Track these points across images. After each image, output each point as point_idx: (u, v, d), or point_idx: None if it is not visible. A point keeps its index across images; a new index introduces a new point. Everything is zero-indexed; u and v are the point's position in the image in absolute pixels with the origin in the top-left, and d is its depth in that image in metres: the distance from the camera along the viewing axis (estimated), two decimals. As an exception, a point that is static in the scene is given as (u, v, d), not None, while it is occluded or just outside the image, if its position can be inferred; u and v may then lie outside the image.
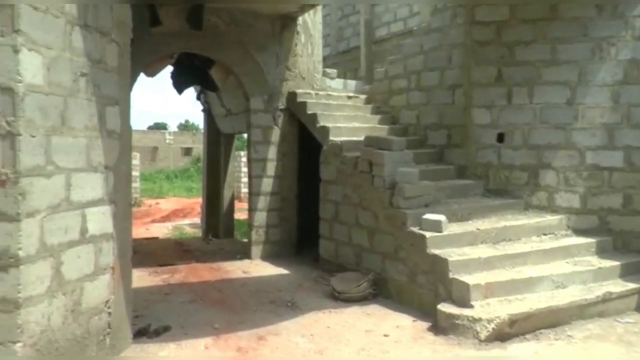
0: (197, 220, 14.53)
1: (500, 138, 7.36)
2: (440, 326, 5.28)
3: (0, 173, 3.36)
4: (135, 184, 21.68)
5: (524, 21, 7.16)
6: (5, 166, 3.37)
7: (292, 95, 8.74)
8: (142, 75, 9.07)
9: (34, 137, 3.50)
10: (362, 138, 7.23)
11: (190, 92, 12.32)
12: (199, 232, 13.15)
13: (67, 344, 3.86)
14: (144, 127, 49.89)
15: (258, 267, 8.14)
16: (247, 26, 8.48)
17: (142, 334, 5.08)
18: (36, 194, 3.52)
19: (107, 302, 4.41)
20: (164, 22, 7.60)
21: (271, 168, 8.74)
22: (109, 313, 4.44)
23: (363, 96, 9.60)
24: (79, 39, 3.98)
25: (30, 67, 3.45)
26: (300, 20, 8.93)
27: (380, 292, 6.40)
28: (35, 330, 3.53)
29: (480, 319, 5.07)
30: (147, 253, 9.50)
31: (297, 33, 8.91)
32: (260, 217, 8.70)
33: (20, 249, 3.38)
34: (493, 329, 5.02)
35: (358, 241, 7.03)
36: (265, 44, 8.66)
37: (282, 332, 5.28)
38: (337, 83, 10.06)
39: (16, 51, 3.35)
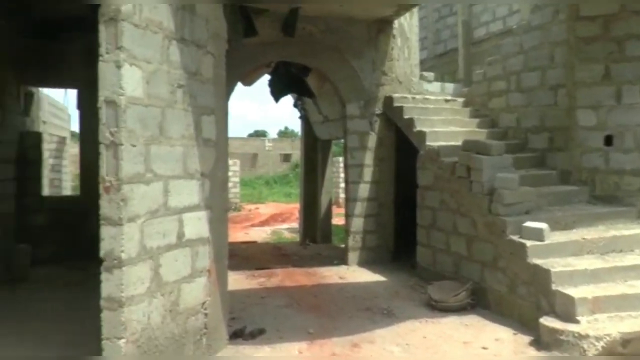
0: (296, 225, 14.79)
1: (609, 141, 6.86)
2: (543, 341, 4.99)
3: (105, 180, 3.62)
4: (236, 190, 22.48)
5: (635, 13, 6.65)
6: (109, 174, 3.62)
7: (389, 100, 8.68)
8: (241, 85, 9.41)
9: (134, 146, 3.72)
10: (459, 142, 7.03)
11: (290, 99, 12.61)
12: (297, 237, 13.38)
13: (166, 342, 4.05)
14: (245, 135, 51.71)
15: (354, 273, 8.13)
16: (342, 32, 8.54)
17: (237, 335, 5.21)
18: (136, 199, 3.73)
19: (203, 303, 4.58)
20: (259, 33, 7.83)
21: (368, 174, 8.72)
22: (206, 314, 4.60)
23: (461, 99, 9.35)
24: (176, 53, 4.18)
25: (131, 81, 3.68)
26: (396, 23, 8.86)
27: (479, 302, 6.16)
28: (137, 328, 3.74)
29: (587, 336, 4.73)
30: (245, 257, 9.78)
31: (393, 37, 8.85)
32: (357, 223, 8.70)
33: (122, 251, 3.60)
34: (603, 347, 4.67)
35: (456, 249, 6.83)
36: (361, 49, 8.67)
37: (377, 340, 5.22)
38: (435, 86, 9.86)
39: (119, 66, 3.58)
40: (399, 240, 8.83)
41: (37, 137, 9.34)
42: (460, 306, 6.07)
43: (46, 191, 13.13)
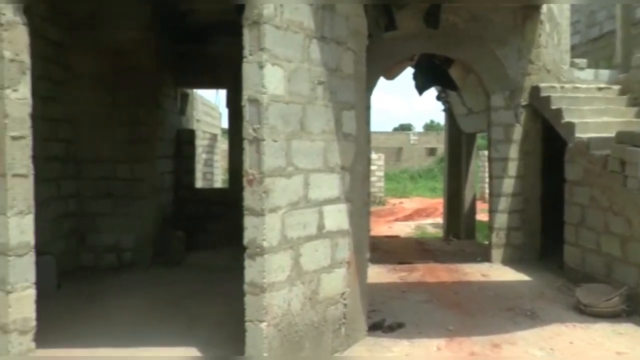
0: (440, 220, 14.57)
1: None
2: None
3: (248, 173, 3.87)
4: (380, 184, 22.60)
5: None
6: (252, 167, 3.86)
7: (535, 90, 8.22)
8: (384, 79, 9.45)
9: (276, 141, 3.93)
10: (612, 134, 6.47)
11: (434, 92, 12.43)
12: (440, 233, 13.18)
13: (306, 328, 4.24)
14: (389, 129, 51.71)
15: (497, 271, 7.84)
16: (486, 21, 8.24)
17: (376, 327, 5.28)
18: (278, 192, 3.94)
19: (342, 294, 4.70)
20: (400, 26, 7.80)
21: (512, 168, 8.35)
22: (345, 304, 4.72)
23: (617, 87, 8.58)
24: (316, 51, 4.33)
25: (273, 80, 3.89)
26: (544, 8, 8.36)
27: (636, 309, 5.65)
28: (278, 313, 3.96)
29: None
30: (388, 250, 9.84)
31: (541, 23, 8.35)
32: (501, 219, 8.37)
33: (264, 240, 3.83)
34: None
35: (608, 249, 6.31)
36: (506, 37, 8.30)
37: (519, 342, 5.00)
38: (587, 74, 9.14)
39: (261, 67, 3.81)
40: (546, 238, 8.35)
41: (192, 135, 10.18)
42: (612, 312, 5.61)
43: (199, 184, 14.24)
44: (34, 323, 3.97)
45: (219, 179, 19.03)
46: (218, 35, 8.71)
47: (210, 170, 18.25)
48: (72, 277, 6.88)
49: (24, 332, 3.91)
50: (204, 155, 17.41)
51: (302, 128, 4.21)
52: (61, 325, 5.00)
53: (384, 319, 5.47)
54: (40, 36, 6.48)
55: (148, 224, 7.91)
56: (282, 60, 3.97)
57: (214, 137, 18.62)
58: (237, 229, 8.17)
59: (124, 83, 7.68)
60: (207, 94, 19.53)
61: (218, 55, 8.93)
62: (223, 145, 19.79)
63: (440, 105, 12.80)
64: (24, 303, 3.90)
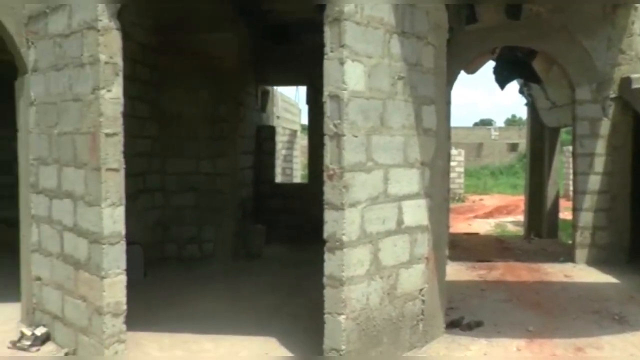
0: (521, 218, 14.13)
1: None
2: None
3: (329, 168, 3.93)
4: (460, 180, 22.17)
5: None
6: (333, 162, 3.92)
7: (626, 82, 7.78)
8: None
9: (356, 137, 3.96)
10: None
11: (516, 85, 12.07)
12: (521, 231, 12.79)
13: (383, 323, 4.25)
14: (470, 124, 50.52)
15: (581, 272, 7.53)
16: (573, 10, 7.88)
17: (454, 325, 5.21)
18: (357, 187, 3.97)
19: (421, 290, 4.68)
20: (481, 18, 7.62)
21: (599, 164, 7.96)
22: (423, 301, 4.70)
23: None
24: (396, 46, 4.32)
25: (353, 76, 3.92)
26: (638, -6, 7.90)
27: None
28: (356, 307, 3.99)
29: None
30: (466, 248, 9.66)
31: (635, 9, 7.87)
32: (586, 218, 8.02)
33: (344, 234, 3.87)
34: None
35: None
36: (594, 26, 7.90)
37: (605, 346, 4.78)
38: (686, 64, 8.56)
39: (342, 63, 3.84)
40: (636, 238, 7.92)
41: (272, 131, 10.39)
42: None
43: (279, 179, 14.52)
44: (124, 307, 4.23)
45: (298, 175, 19.33)
46: (299, 33, 8.85)
47: (290, 165, 18.56)
48: (157, 266, 7.21)
49: (116, 314, 4.16)
50: (283, 151, 17.74)
51: (382, 123, 4.21)
52: (148, 311, 5.27)
53: (462, 316, 5.39)
54: (130, 39, 6.81)
55: (229, 217, 8.16)
56: (363, 56, 3.99)
57: (293, 133, 18.93)
58: (315, 224, 8.29)
59: (207, 82, 7.96)
60: (287, 90, 19.90)
61: (299, 53, 9.06)
62: (302, 141, 20.10)
63: (522, 99, 12.43)
64: (116, 288, 4.16)
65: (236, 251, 8.20)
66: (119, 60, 4.13)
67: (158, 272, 6.95)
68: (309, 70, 9.07)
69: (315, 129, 9.50)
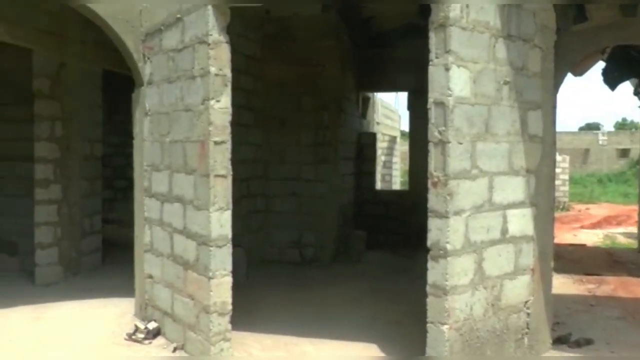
0: (634, 229, 13.19)
1: None
2: None
3: (433, 175, 3.88)
4: (564, 188, 21.09)
5: None
6: (437, 170, 3.87)
7: None
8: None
9: (460, 144, 3.89)
10: None
11: (629, 86, 11.33)
12: (635, 243, 11.95)
13: (487, 335, 4.13)
14: (575, 129, 47.99)
15: None
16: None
17: (561, 341, 4.96)
18: (462, 194, 3.90)
19: (526, 302, 4.50)
20: (591, 16, 7.22)
21: None
22: (528, 314, 4.52)
23: None
24: (502, 50, 4.20)
25: (459, 82, 3.86)
26: None
27: None
28: (460, 317, 3.91)
29: None
30: (572, 260, 9.17)
31: None
32: None
33: (447, 242, 3.81)
34: None
35: None
36: None
37: None
38: None
39: (447, 69, 3.80)
40: None
41: (373, 137, 10.41)
42: None
43: (378, 185, 14.51)
44: (230, 307, 4.40)
45: (397, 181, 19.23)
46: (399, 39, 8.84)
47: (389, 172, 18.51)
48: (259, 269, 7.43)
49: (222, 313, 4.34)
50: (383, 158, 17.73)
51: (487, 130, 4.11)
52: (250, 312, 5.43)
53: (569, 332, 5.12)
54: (235, 51, 7.10)
55: (329, 222, 8.27)
56: (468, 61, 3.92)
57: (393, 140, 18.88)
58: (415, 231, 8.30)
59: (309, 89, 8.14)
60: (386, 96, 19.93)
61: (400, 58, 9.07)
62: (402, 147, 19.99)
63: (636, 101, 11.63)
64: (222, 288, 4.33)
65: (336, 257, 8.30)
66: (227, 72, 4.32)
67: (259, 275, 7.16)
68: (410, 76, 9.08)
69: (416, 136, 9.43)
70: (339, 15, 8.16)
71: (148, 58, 5.18)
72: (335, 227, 8.42)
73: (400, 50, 9.14)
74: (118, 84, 8.02)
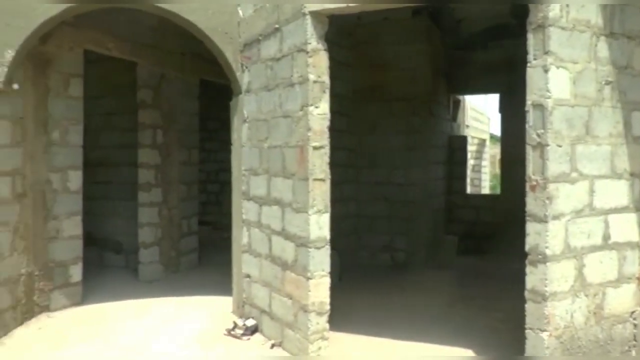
0: None
1: None
2: None
3: (531, 179, 3.82)
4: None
5: None
6: (535, 173, 3.81)
7: None
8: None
9: (560, 146, 3.81)
10: None
11: None
12: None
13: (589, 344, 4.00)
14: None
15: None
16: None
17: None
18: (561, 198, 3.81)
19: (632, 312, 4.31)
20: None
21: None
22: (635, 325, 4.32)
23: None
24: (604, 48, 4.07)
25: (558, 83, 3.78)
26: None
27: None
28: (560, 324, 3.82)
29: None
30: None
31: None
32: None
33: (547, 247, 3.74)
34: None
35: None
36: None
37: None
38: None
39: (546, 70, 3.73)
40: None
41: (463, 141, 10.27)
42: None
43: (467, 189, 14.21)
44: (328, 306, 4.53)
45: (487, 185, 18.76)
46: (490, 40, 8.70)
47: (478, 176, 18.08)
48: (351, 272, 7.53)
49: (320, 313, 4.48)
50: (471, 161, 17.36)
51: (587, 132, 4.00)
52: (345, 313, 5.54)
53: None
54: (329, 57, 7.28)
55: (421, 227, 8.26)
56: (567, 62, 3.84)
57: (482, 143, 18.45)
58: (507, 237, 8.09)
59: (400, 93, 8.17)
60: (475, 99, 19.47)
61: (490, 60, 8.93)
62: (491, 150, 19.48)
63: None
64: (320, 288, 4.48)
65: (427, 261, 8.26)
66: (326, 78, 4.48)
67: (352, 278, 7.25)
68: (502, 77, 8.90)
69: (508, 139, 9.21)
70: (430, 19, 8.15)
71: (246, 67, 5.44)
72: (427, 231, 8.39)
73: (491, 52, 8.98)
74: (211, 93, 8.43)
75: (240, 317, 5.54)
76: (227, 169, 12.27)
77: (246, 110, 5.48)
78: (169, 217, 7.65)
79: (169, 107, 7.59)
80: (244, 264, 5.60)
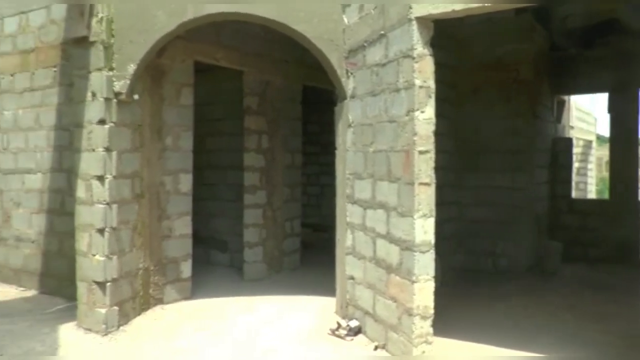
0: None
1: None
2: None
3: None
4: None
5: None
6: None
7: None
8: None
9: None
10: None
11: None
12: None
13: None
14: None
15: None
16: None
17: None
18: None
19: None
20: None
21: None
22: None
23: None
24: None
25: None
26: None
27: None
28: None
29: None
30: None
31: None
32: None
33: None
34: None
35: None
36: None
37: None
38: None
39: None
40: None
41: (568, 143, 9.85)
42: None
43: (572, 194, 13.56)
44: (432, 310, 4.54)
45: (593, 189, 17.78)
46: (597, 37, 8.32)
47: (584, 179, 17.17)
48: (452, 277, 7.46)
49: (424, 317, 4.50)
50: (576, 164, 16.55)
51: None
52: (447, 318, 5.50)
53: None
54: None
55: (524, 232, 8.04)
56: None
57: (588, 144, 17.53)
58: (617, 244, 7.74)
59: (502, 95, 8.01)
60: (581, 98, 18.54)
61: (597, 58, 8.54)
62: (598, 152, 18.49)
63: None
64: (425, 292, 4.50)
65: (531, 268, 8.02)
66: (431, 83, 4.50)
67: (453, 283, 7.19)
68: (610, 75, 8.48)
69: (619, 140, 8.75)
70: (534, 17, 7.91)
71: (351, 73, 5.55)
72: (531, 237, 8.14)
73: (597, 49, 8.58)
74: (311, 98, 8.60)
75: (344, 317, 5.66)
76: (327, 172, 12.62)
77: (351, 115, 5.59)
78: (273, 218, 7.92)
79: (273, 113, 7.86)
80: (347, 265, 5.71)
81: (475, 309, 6.15)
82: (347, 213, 5.73)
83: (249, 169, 7.65)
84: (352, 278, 5.62)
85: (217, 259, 8.56)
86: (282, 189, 8.10)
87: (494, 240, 8.12)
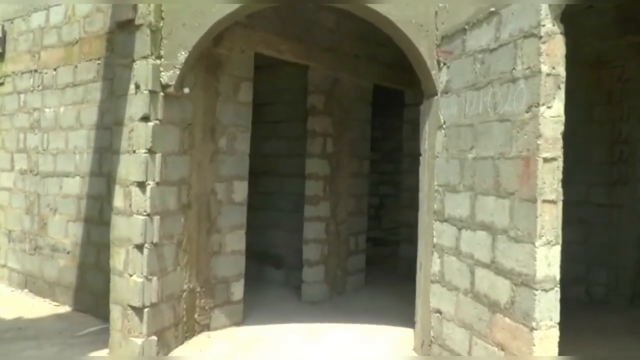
0: None
1: None
2: None
3: None
4: None
5: None
6: None
7: None
8: None
9: None
10: None
11: None
12: None
13: None
14: None
15: None
16: None
17: None
18: None
19: None
20: None
21: None
22: None
23: None
24: None
25: None
26: None
27: None
28: None
29: None
30: None
31: None
32: None
33: None
34: None
35: None
36: None
37: None
38: None
39: None
40: None
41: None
42: None
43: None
44: (557, 368, 3.52)
45: None
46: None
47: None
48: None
49: (546, 376, 3.47)
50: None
51: None
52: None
53: None
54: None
55: (626, 257, 6.84)
56: None
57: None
58: None
59: (603, 96, 6.91)
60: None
61: None
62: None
63: None
64: (548, 343, 3.47)
65: (633, 299, 6.84)
66: (561, 70, 3.48)
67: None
68: None
69: None
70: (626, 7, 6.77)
71: (444, 64, 4.59)
72: (634, 262, 6.95)
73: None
74: (374, 100, 7.67)
75: (426, 356, 4.70)
76: (387, 182, 11.69)
77: (443, 115, 4.61)
78: (337, 232, 7.00)
79: (340, 114, 6.96)
80: (432, 295, 4.73)
81: (569, 348, 5.07)
82: (433, 233, 4.74)
83: (311, 176, 6.76)
84: (438, 312, 4.64)
85: (270, 276, 7.72)
86: (347, 200, 7.18)
87: (587, 265, 6.99)
